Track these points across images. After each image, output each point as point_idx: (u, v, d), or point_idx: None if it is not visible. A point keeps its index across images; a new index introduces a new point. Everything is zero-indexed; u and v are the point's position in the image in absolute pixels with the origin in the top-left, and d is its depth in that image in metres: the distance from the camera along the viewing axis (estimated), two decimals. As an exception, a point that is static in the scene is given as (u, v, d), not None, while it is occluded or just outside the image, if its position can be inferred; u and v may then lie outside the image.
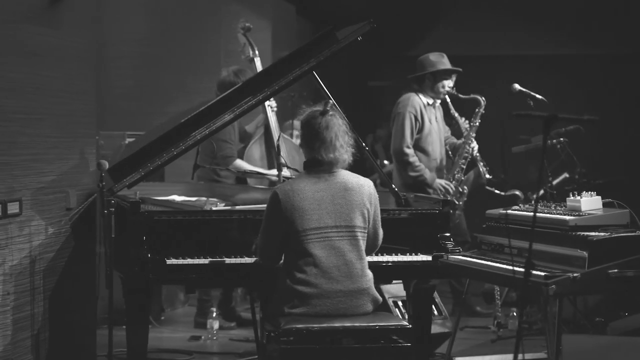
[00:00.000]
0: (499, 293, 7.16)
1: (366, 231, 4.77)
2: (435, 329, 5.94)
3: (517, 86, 6.75)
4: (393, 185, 5.73)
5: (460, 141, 7.47)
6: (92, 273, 5.92)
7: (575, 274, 4.38)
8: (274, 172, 7.18)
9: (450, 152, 7.49)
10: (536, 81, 7.03)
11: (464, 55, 7.39)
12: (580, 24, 9.58)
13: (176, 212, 5.44)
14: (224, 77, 7.25)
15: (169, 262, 5.04)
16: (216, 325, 7.07)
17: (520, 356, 4.04)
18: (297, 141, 7.57)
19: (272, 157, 7.38)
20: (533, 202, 5.35)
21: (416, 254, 5.29)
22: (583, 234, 4.58)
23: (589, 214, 4.77)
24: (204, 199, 6.27)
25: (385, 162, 9.42)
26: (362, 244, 4.75)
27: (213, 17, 9.18)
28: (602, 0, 9.30)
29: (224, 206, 5.98)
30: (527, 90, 6.67)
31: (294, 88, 7.38)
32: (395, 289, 6.12)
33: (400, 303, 6.16)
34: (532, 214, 4.90)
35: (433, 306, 6.03)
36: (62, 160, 5.62)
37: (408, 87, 7.32)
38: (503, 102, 7.22)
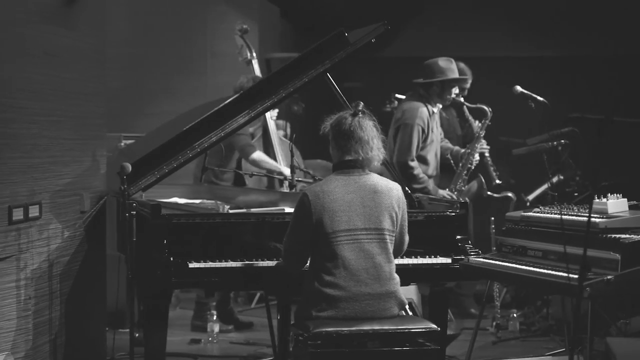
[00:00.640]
0: (497, 294, 7.20)
1: (394, 235, 4.79)
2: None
3: (518, 88, 6.75)
4: (406, 188, 5.74)
5: (457, 148, 7.47)
6: (103, 277, 5.87)
7: (609, 277, 4.42)
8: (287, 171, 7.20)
9: (452, 161, 7.44)
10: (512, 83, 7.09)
11: (434, 56, 7.33)
12: (562, 25, 9.68)
13: (195, 215, 5.40)
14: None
15: (190, 265, 5.01)
16: (216, 328, 7.04)
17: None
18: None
19: (271, 157, 7.37)
20: (553, 204, 5.39)
21: (435, 257, 5.32)
22: (615, 237, 4.62)
23: (617, 216, 4.82)
24: (209, 201, 6.24)
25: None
26: (391, 247, 4.76)
27: (199, 18, 9.13)
28: (583, 2, 9.41)
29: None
30: (528, 92, 6.70)
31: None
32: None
33: (407, 307, 6.18)
34: (553, 216, 5.02)
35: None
36: (77, 163, 5.58)
37: (413, 92, 7.22)
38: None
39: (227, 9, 9.19)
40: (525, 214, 5.18)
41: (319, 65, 5.62)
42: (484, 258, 5.21)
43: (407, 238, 4.91)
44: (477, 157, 7.34)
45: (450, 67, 7.14)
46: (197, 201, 6.37)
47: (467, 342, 6.93)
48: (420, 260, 5.29)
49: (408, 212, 5.01)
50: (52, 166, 5.31)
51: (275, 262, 5.06)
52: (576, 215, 4.92)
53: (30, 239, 5.11)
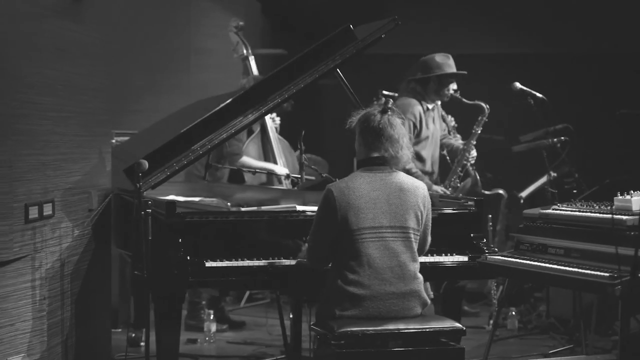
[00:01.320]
0: (495, 292, 7.21)
1: (419, 234, 4.75)
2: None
3: (517, 84, 6.80)
4: None
5: (458, 143, 7.46)
6: (109, 276, 5.77)
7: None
8: (280, 169, 7.14)
9: (447, 157, 7.44)
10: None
11: (421, 52, 7.34)
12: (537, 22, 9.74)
13: (208, 213, 5.31)
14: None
15: (207, 264, 4.93)
16: (213, 327, 6.96)
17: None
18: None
19: (269, 154, 7.31)
20: (575, 200, 5.40)
21: (451, 255, 5.29)
22: (644, 234, 4.62)
23: (642, 213, 4.83)
24: (209, 199, 6.16)
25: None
26: (415, 246, 4.72)
27: (182, 14, 9.01)
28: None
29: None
30: (527, 89, 6.72)
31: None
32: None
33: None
34: (574, 213, 5.02)
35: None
36: (85, 160, 5.47)
37: (410, 88, 7.19)
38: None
39: (210, 4, 9.09)
40: (544, 211, 5.18)
41: (329, 60, 5.56)
42: (501, 256, 5.19)
43: (429, 239, 4.87)
44: (473, 153, 7.32)
45: (447, 63, 7.11)
46: (197, 199, 6.29)
47: (468, 340, 6.94)
48: (437, 259, 5.25)
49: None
50: (63, 163, 5.20)
51: (296, 260, 4.98)
52: (600, 213, 4.91)
53: (44, 238, 5.00)
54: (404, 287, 4.64)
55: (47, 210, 5.01)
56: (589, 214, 4.92)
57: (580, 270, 4.67)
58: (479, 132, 7.31)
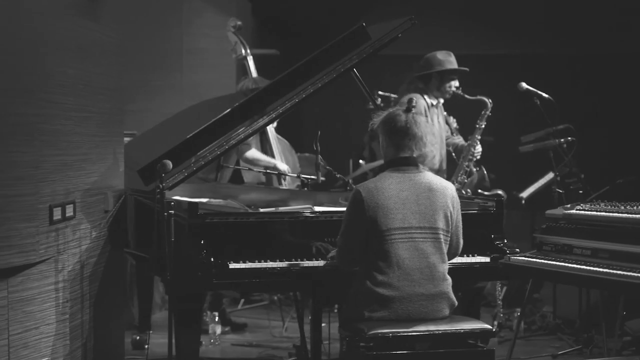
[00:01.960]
0: (499, 293, 7.21)
1: (449, 234, 4.72)
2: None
3: (524, 85, 6.81)
4: None
5: (462, 142, 7.45)
6: (123, 277, 5.70)
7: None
8: (281, 164, 7.09)
9: (453, 154, 7.44)
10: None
11: (418, 53, 7.34)
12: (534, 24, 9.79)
13: (228, 214, 5.25)
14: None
15: (231, 266, 4.87)
16: (218, 330, 6.90)
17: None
18: None
19: (268, 154, 7.26)
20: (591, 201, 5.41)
21: (473, 256, 5.26)
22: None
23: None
24: (216, 200, 6.10)
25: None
26: (445, 247, 4.69)
27: (174, 14, 8.93)
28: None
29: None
30: (534, 89, 6.74)
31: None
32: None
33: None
34: (602, 213, 5.03)
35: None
36: (102, 161, 5.40)
37: (412, 86, 7.19)
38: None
39: (202, 5, 9.03)
40: (568, 211, 5.18)
41: (345, 60, 5.51)
42: (525, 257, 5.18)
43: (462, 241, 4.84)
44: (479, 148, 7.32)
45: (449, 59, 7.14)
46: (204, 200, 6.23)
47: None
48: (458, 260, 5.21)
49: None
50: (83, 164, 5.13)
51: (323, 262, 4.94)
52: (628, 213, 4.92)
53: (66, 240, 4.92)
54: (433, 288, 4.62)
55: (69, 211, 4.94)
56: (618, 214, 4.92)
57: (610, 271, 4.68)
58: (483, 126, 7.31)
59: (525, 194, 7.55)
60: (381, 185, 4.64)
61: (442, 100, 7.23)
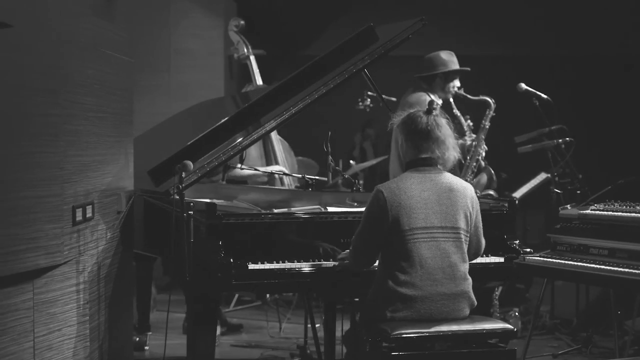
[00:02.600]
0: (496, 293, 7.25)
1: (469, 234, 4.76)
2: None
3: (523, 85, 6.87)
4: None
5: (466, 142, 7.48)
6: (133, 278, 5.68)
7: None
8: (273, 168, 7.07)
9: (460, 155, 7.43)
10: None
11: (410, 54, 7.38)
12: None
13: (244, 215, 5.24)
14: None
15: (250, 267, 4.86)
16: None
17: None
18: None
19: (270, 155, 7.25)
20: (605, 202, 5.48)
21: (487, 256, 5.28)
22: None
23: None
24: (219, 201, 6.08)
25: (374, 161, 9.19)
26: (465, 247, 4.72)
27: (162, 14, 8.90)
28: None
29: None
30: (533, 90, 6.79)
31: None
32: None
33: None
34: (618, 213, 5.10)
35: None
36: (115, 162, 5.37)
37: (415, 86, 7.20)
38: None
39: (190, 5, 8.99)
40: (583, 212, 5.24)
41: (356, 60, 5.52)
42: (540, 257, 5.24)
43: (483, 240, 4.87)
44: (485, 147, 7.36)
45: (452, 60, 7.16)
46: (207, 201, 6.21)
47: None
48: (474, 260, 5.26)
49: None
50: (100, 165, 5.10)
51: (335, 262, 4.95)
52: None
53: (85, 241, 4.89)
54: (454, 287, 4.64)
55: (89, 212, 4.91)
56: (636, 214, 4.98)
57: (632, 271, 4.74)
58: (488, 126, 7.34)
59: (518, 194, 7.60)
60: (403, 185, 4.65)
61: (442, 101, 7.25)
